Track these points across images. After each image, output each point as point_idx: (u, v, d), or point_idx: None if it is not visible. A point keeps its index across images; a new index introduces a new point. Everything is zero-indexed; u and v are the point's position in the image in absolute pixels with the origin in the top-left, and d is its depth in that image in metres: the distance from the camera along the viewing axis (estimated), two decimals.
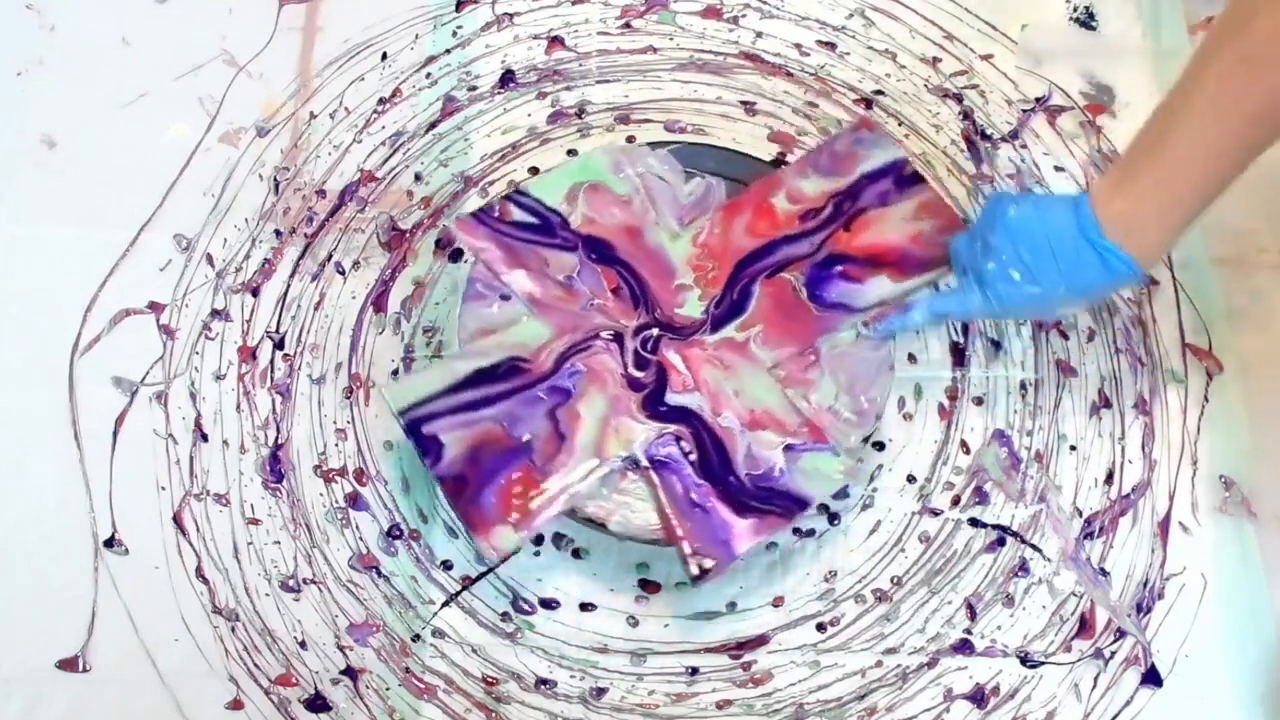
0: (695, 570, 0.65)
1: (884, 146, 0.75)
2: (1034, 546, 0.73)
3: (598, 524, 0.68)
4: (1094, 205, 0.61)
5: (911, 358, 0.78)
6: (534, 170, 0.81)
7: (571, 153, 0.82)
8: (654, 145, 0.77)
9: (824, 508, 0.73)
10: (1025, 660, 0.71)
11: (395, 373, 0.76)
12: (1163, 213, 0.60)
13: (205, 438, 0.74)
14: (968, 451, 0.76)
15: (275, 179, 0.81)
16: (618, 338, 0.71)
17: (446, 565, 0.72)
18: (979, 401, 0.77)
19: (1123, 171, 0.61)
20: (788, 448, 0.68)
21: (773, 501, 0.67)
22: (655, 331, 0.71)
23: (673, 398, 0.69)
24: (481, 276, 0.72)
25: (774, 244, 0.73)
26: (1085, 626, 0.71)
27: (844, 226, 0.73)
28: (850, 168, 0.75)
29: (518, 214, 0.73)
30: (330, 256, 0.79)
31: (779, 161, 0.81)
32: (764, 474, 0.68)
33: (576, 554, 0.72)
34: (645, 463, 0.68)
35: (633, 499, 0.68)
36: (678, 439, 0.68)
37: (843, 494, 0.73)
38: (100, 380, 0.75)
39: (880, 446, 0.75)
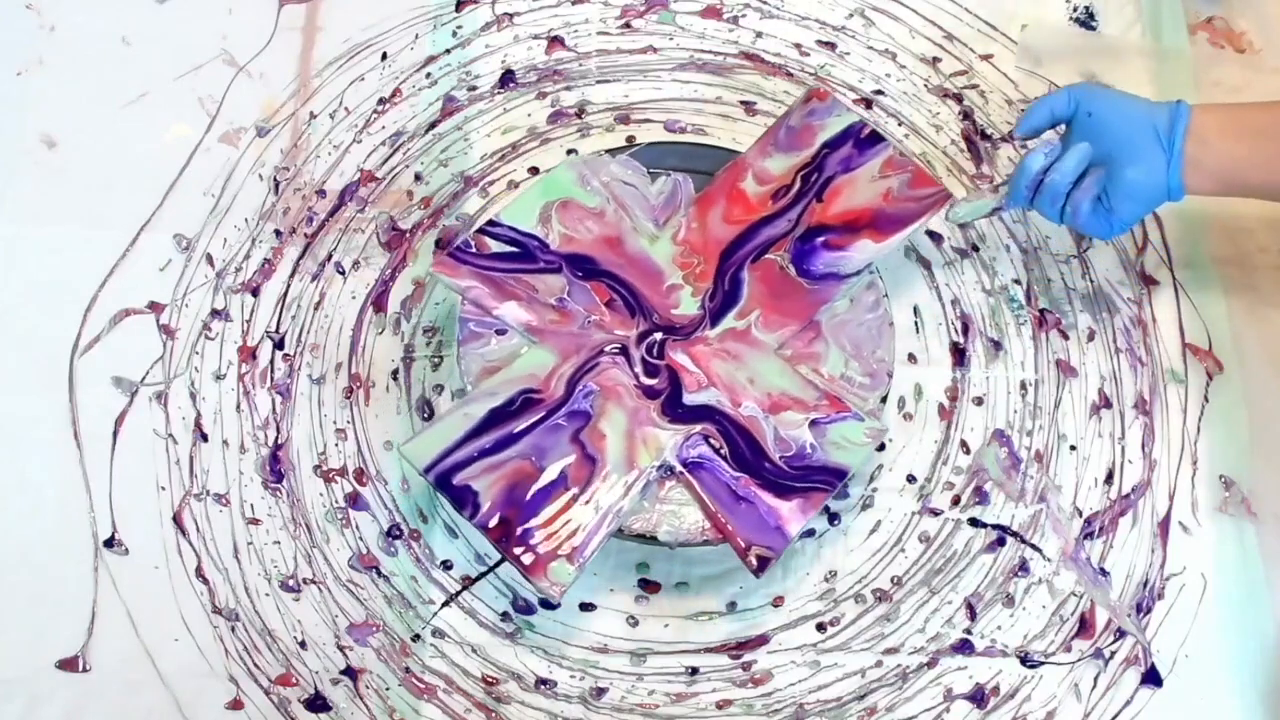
0: (754, 563, 0.66)
1: (839, 114, 0.76)
2: (1034, 546, 0.73)
3: (649, 538, 0.67)
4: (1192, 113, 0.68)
5: (911, 357, 0.78)
6: (534, 170, 0.81)
7: (571, 152, 0.82)
8: (612, 152, 0.77)
9: (824, 508, 0.73)
10: (1025, 660, 0.71)
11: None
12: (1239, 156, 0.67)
13: (205, 438, 0.74)
14: (968, 451, 0.76)
15: (275, 179, 0.81)
16: (623, 350, 0.71)
17: (446, 565, 0.72)
18: (979, 401, 0.77)
19: (1237, 107, 0.70)
20: (813, 423, 0.69)
21: (811, 478, 0.67)
22: (658, 336, 0.71)
23: (690, 398, 0.70)
24: (472, 315, 0.71)
25: (753, 228, 0.74)
26: (1085, 626, 0.71)
27: (816, 198, 0.74)
28: (810, 140, 0.76)
29: (494, 245, 0.72)
30: (330, 256, 0.79)
31: None
32: (796, 453, 0.68)
33: None
34: (679, 467, 0.68)
35: (676, 505, 0.68)
36: (706, 437, 0.68)
37: (843, 494, 0.73)
38: (100, 380, 0.75)
39: (880, 446, 0.75)
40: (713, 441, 0.68)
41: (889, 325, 0.73)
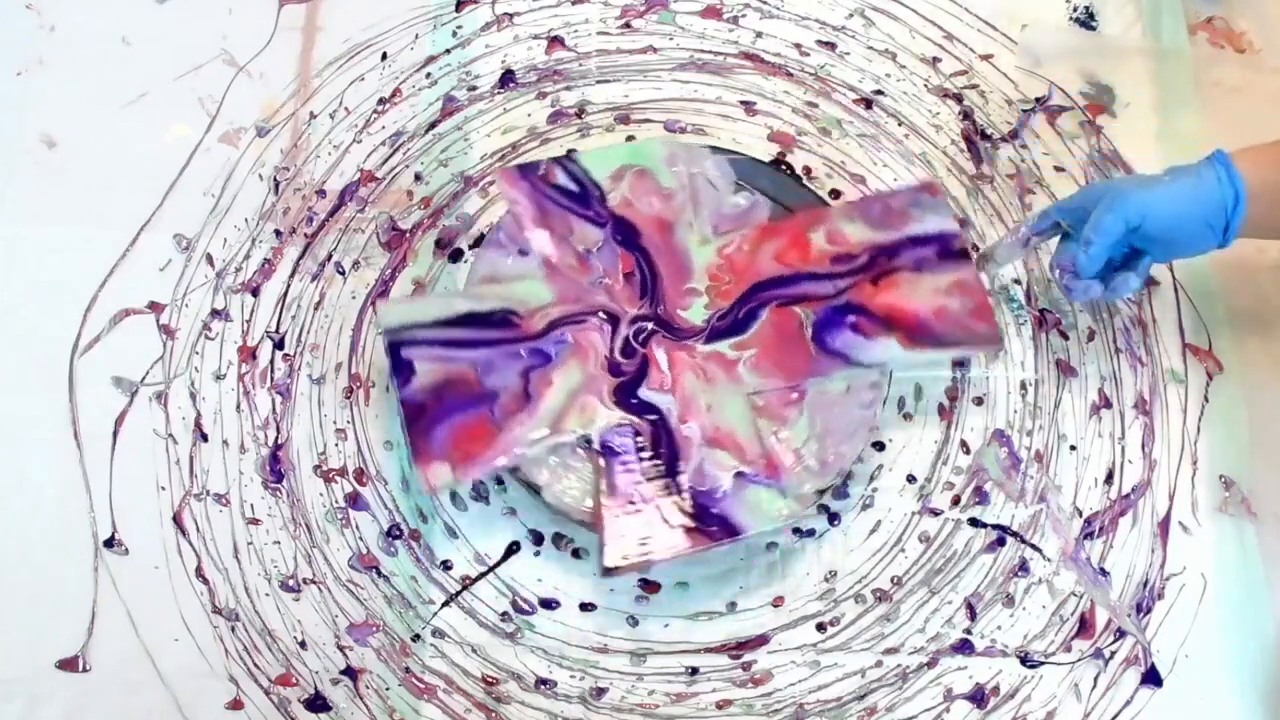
0: (607, 563, 0.66)
1: (940, 213, 0.74)
2: (1034, 546, 0.73)
3: (532, 488, 0.68)
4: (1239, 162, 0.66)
5: None
6: None
7: (571, 152, 0.82)
8: (716, 150, 0.77)
9: (824, 508, 0.73)
10: (1025, 660, 0.71)
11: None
12: None
13: (205, 438, 0.74)
14: (968, 451, 0.75)
15: (275, 179, 0.81)
16: (613, 320, 0.71)
17: (446, 565, 0.72)
18: (979, 401, 0.77)
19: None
20: (739, 474, 0.68)
21: (705, 520, 0.67)
22: (650, 325, 0.71)
23: (645, 393, 0.70)
24: (507, 228, 0.73)
25: (797, 276, 0.73)
26: (1085, 626, 0.71)
27: (872, 280, 0.72)
28: (900, 225, 0.74)
29: (561, 178, 0.74)
30: (330, 256, 0.79)
31: (786, 167, 0.81)
32: (707, 491, 0.68)
33: (576, 554, 0.72)
34: (596, 445, 0.68)
35: (575, 477, 0.68)
36: (636, 433, 0.69)
37: (843, 494, 0.73)
38: (100, 380, 0.75)
39: (880, 447, 0.75)
40: (639, 440, 0.68)
41: (868, 430, 0.71)
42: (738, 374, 0.71)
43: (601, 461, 0.68)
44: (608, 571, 0.66)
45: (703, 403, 0.70)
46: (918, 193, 0.75)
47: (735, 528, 0.67)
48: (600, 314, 0.71)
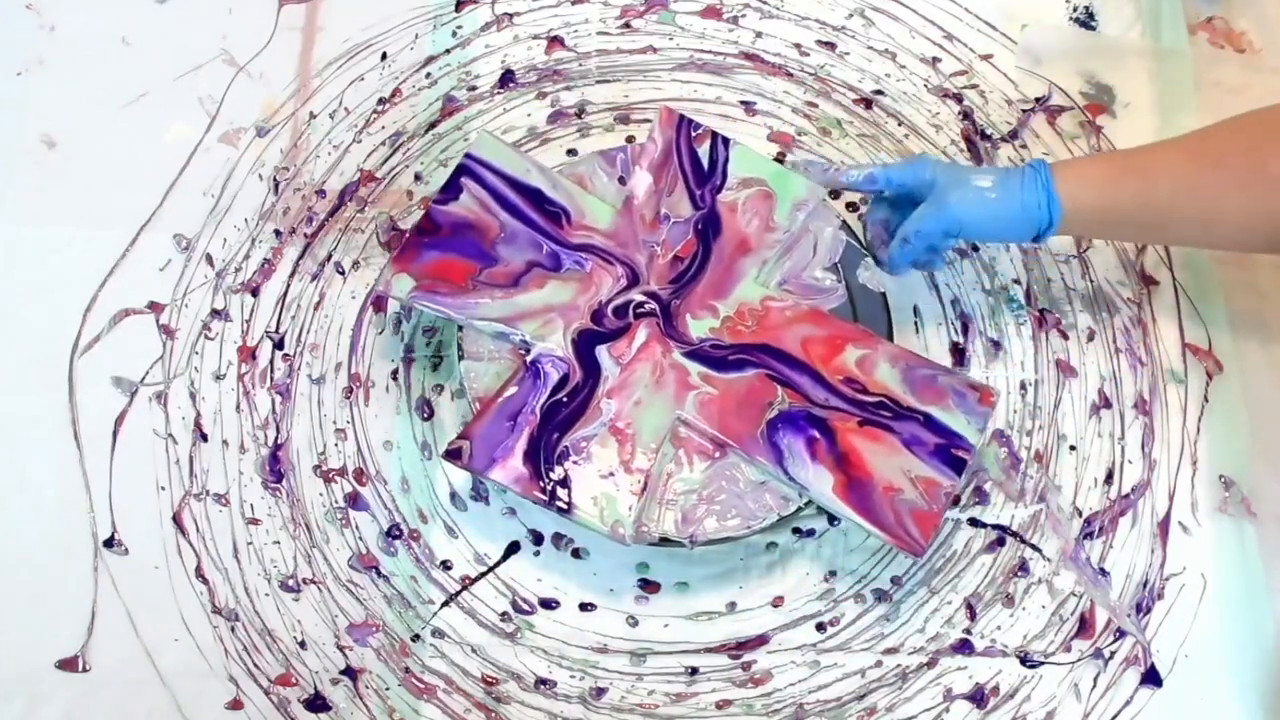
0: (463, 459, 0.66)
1: (975, 421, 0.69)
2: (1034, 546, 0.73)
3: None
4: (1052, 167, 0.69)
5: None
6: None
7: (571, 152, 0.82)
8: (846, 226, 0.75)
9: None
10: (1025, 660, 0.71)
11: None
12: (1104, 193, 0.68)
13: (205, 438, 0.74)
14: None
15: (275, 179, 0.81)
16: (633, 281, 0.71)
17: (446, 565, 0.72)
18: None
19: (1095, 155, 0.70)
20: (609, 474, 0.67)
21: (538, 473, 0.66)
22: (656, 307, 0.71)
23: (600, 351, 0.69)
24: (632, 152, 0.75)
25: (805, 367, 0.69)
26: (1085, 626, 0.71)
27: (859, 420, 0.68)
28: (929, 400, 0.69)
29: (704, 149, 0.74)
30: (330, 256, 0.79)
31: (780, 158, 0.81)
32: (572, 461, 0.67)
33: (576, 554, 0.72)
34: (530, 357, 0.68)
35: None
36: (566, 375, 0.69)
37: None
38: (100, 380, 0.75)
39: None
40: (564, 380, 0.68)
41: (746, 525, 0.67)
42: (685, 397, 0.68)
43: (523, 371, 0.68)
44: (450, 454, 0.66)
45: (637, 394, 0.69)
46: (970, 389, 0.69)
47: (568, 505, 0.66)
48: (628, 268, 0.71)
